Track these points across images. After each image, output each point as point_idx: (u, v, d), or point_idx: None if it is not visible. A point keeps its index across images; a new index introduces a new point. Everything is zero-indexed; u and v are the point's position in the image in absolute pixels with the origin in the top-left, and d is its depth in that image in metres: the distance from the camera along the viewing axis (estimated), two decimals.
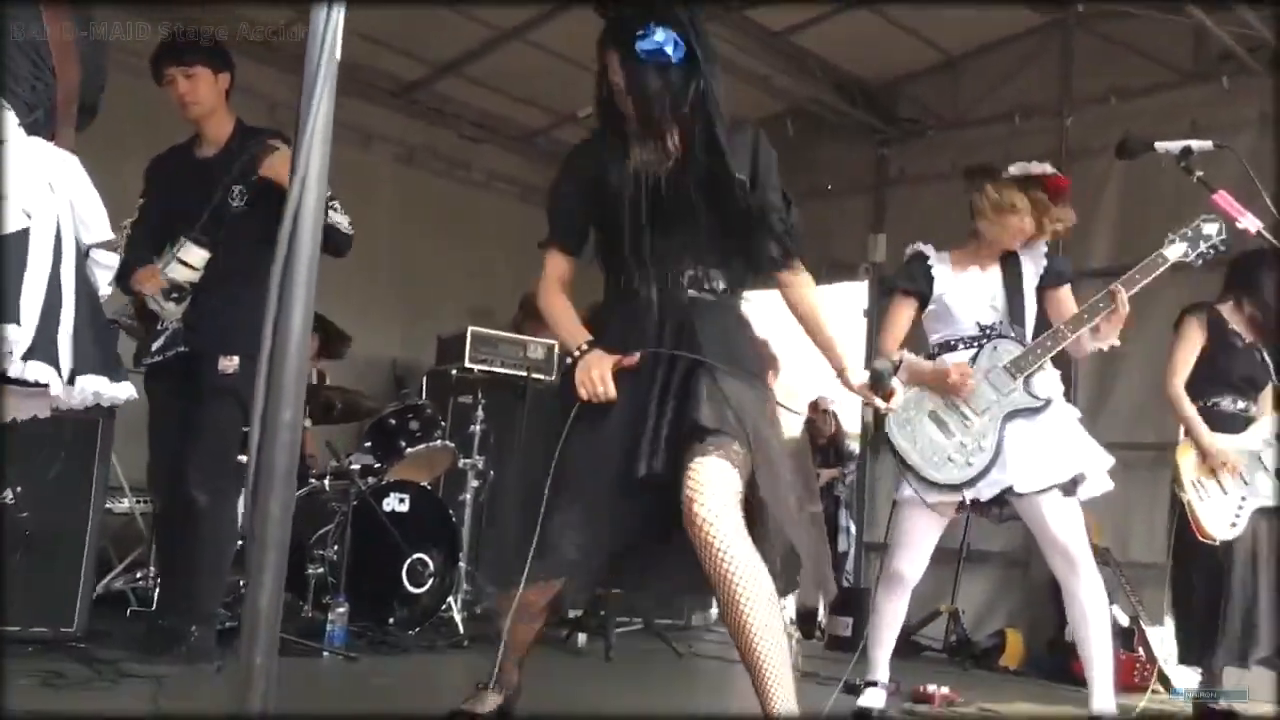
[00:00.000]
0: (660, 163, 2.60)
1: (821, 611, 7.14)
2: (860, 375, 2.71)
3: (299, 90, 1.43)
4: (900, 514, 3.78)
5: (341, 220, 3.78)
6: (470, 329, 5.87)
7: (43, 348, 1.93)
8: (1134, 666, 4.97)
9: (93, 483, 3.93)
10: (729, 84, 2.67)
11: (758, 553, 2.38)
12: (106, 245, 2.17)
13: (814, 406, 8.13)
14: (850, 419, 8.00)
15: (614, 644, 4.91)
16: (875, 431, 6.65)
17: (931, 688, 4.06)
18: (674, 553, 2.49)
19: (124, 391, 2.10)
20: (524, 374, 5.78)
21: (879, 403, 2.68)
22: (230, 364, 3.61)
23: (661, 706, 3.87)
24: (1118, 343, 3.60)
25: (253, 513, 1.32)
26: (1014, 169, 3.68)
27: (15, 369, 1.91)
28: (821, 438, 7.86)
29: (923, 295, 3.78)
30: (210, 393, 3.62)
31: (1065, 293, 3.73)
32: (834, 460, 7.78)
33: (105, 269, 2.17)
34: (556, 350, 6.11)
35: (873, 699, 3.74)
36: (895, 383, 2.69)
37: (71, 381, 2.00)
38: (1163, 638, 4.93)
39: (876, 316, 6.80)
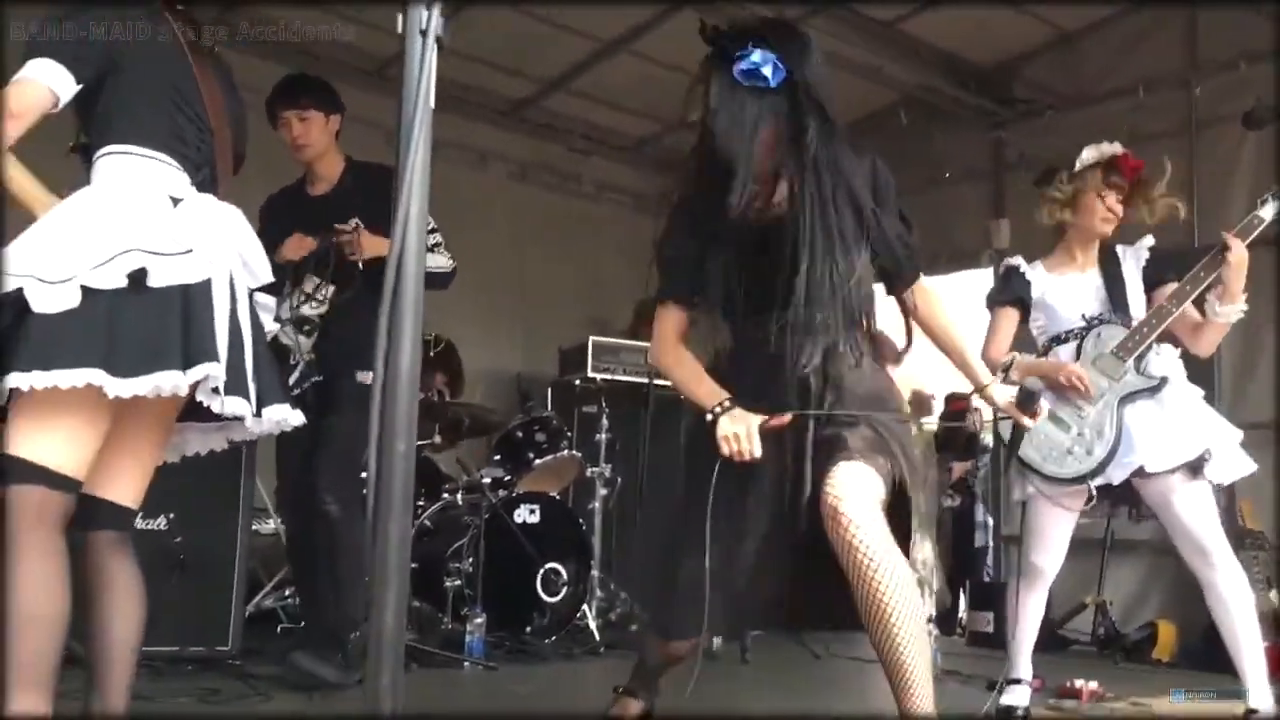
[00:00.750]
0: (768, 203, 2.49)
1: (962, 607, 6.99)
2: (1003, 392, 2.67)
3: None
4: (1030, 510, 3.68)
5: (441, 261, 3.92)
6: (591, 339, 5.93)
7: (235, 382, 2.10)
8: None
9: (239, 506, 4.09)
10: (839, 79, 2.59)
11: (904, 559, 2.32)
12: (268, 289, 2.34)
13: (953, 400, 7.97)
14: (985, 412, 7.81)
15: (749, 646, 4.90)
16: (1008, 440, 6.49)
17: (1079, 682, 3.94)
18: (822, 583, 2.42)
19: (298, 417, 2.25)
20: (646, 380, 5.82)
21: (1026, 421, 2.64)
22: (368, 377, 3.63)
23: (799, 709, 3.84)
24: (1244, 307, 3.44)
25: (374, 539, 1.38)
26: (1085, 153, 3.64)
27: (216, 404, 2.08)
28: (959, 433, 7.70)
29: (1023, 303, 3.72)
30: (346, 402, 3.73)
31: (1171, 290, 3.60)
32: (966, 454, 7.61)
33: (266, 310, 2.34)
34: None
35: (1017, 697, 3.64)
36: (1043, 401, 2.66)
37: (258, 413, 2.16)
38: None
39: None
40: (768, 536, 2.46)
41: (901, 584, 2.27)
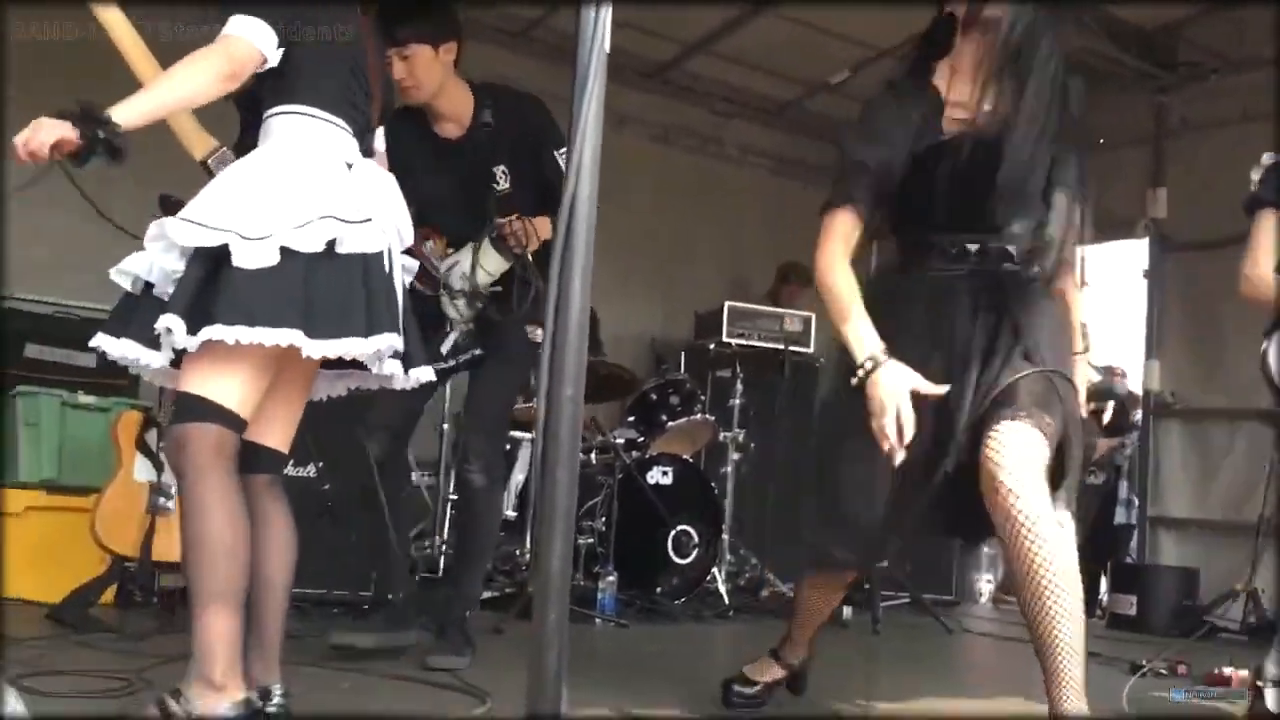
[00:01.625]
0: (979, 114, 2.34)
1: (1103, 589, 6.79)
2: (1083, 373, 2.48)
3: (555, 80, 1.50)
4: None
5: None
6: (727, 304, 5.92)
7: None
8: None
9: (398, 453, 4.22)
10: None
11: (1067, 534, 2.19)
12: (409, 251, 2.39)
13: (1108, 373, 7.71)
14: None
15: (880, 618, 4.85)
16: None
17: (1228, 670, 3.78)
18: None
19: (428, 374, 2.32)
20: (781, 346, 5.78)
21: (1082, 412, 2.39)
22: (537, 333, 3.32)
23: (932, 682, 3.79)
24: None
25: (542, 484, 1.41)
26: None
27: (377, 367, 2.20)
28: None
29: None
30: (513, 357, 3.39)
31: None
32: (1113, 430, 7.35)
33: (409, 272, 2.40)
34: (814, 322, 6.09)
35: None
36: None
37: (405, 372, 2.27)
38: None
39: (1159, 277, 6.37)
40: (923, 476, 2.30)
41: (1064, 561, 2.16)
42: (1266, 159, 3.26)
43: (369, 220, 2.17)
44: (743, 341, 5.86)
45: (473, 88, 3.40)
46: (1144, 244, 6.45)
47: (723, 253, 7.23)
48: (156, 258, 2.11)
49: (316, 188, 2.16)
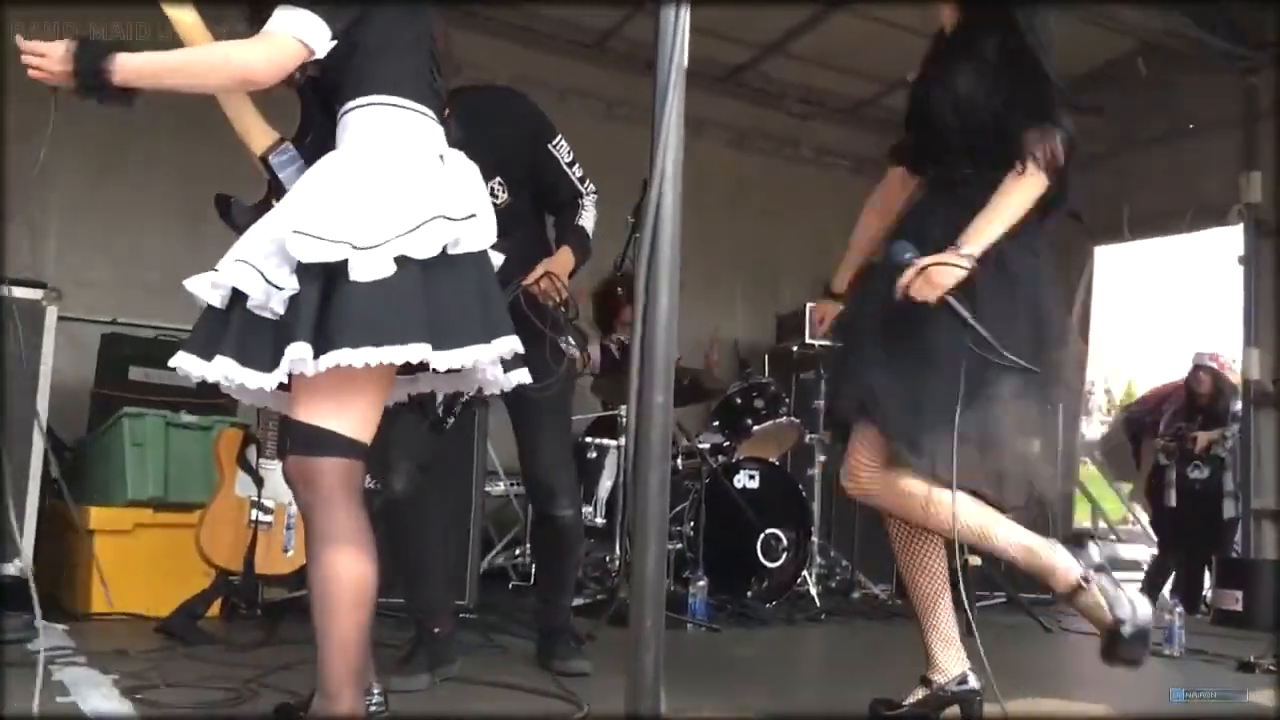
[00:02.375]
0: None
1: (1207, 584, 6.60)
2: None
3: (633, 89, 1.52)
4: None
5: (593, 217, 3.39)
6: (809, 305, 5.88)
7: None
8: None
9: (473, 467, 4.29)
10: (1070, 26, 2.49)
11: None
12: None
13: (1194, 363, 7.46)
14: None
15: (975, 617, 4.77)
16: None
17: None
18: None
19: (525, 375, 2.21)
20: None
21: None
22: (570, 348, 3.26)
23: (1030, 683, 3.73)
24: None
25: (635, 488, 1.42)
26: None
27: (492, 374, 2.13)
28: (1199, 397, 7.17)
29: None
30: (566, 391, 3.32)
31: None
32: (1212, 422, 7.11)
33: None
34: None
35: None
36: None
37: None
38: None
39: (1255, 264, 6.19)
40: None
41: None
42: None
43: (474, 216, 2.04)
44: (825, 342, 5.82)
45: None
46: (1239, 230, 6.27)
47: (804, 254, 7.18)
48: (269, 273, 1.96)
49: (421, 186, 2.03)
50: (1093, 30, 6.06)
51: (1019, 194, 2.50)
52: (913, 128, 2.81)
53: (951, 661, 2.81)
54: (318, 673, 2.00)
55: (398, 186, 2.01)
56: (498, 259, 2.19)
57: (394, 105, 2.11)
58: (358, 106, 2.11)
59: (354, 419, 2.01)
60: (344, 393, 1.98)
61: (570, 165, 3.34)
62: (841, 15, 6.16)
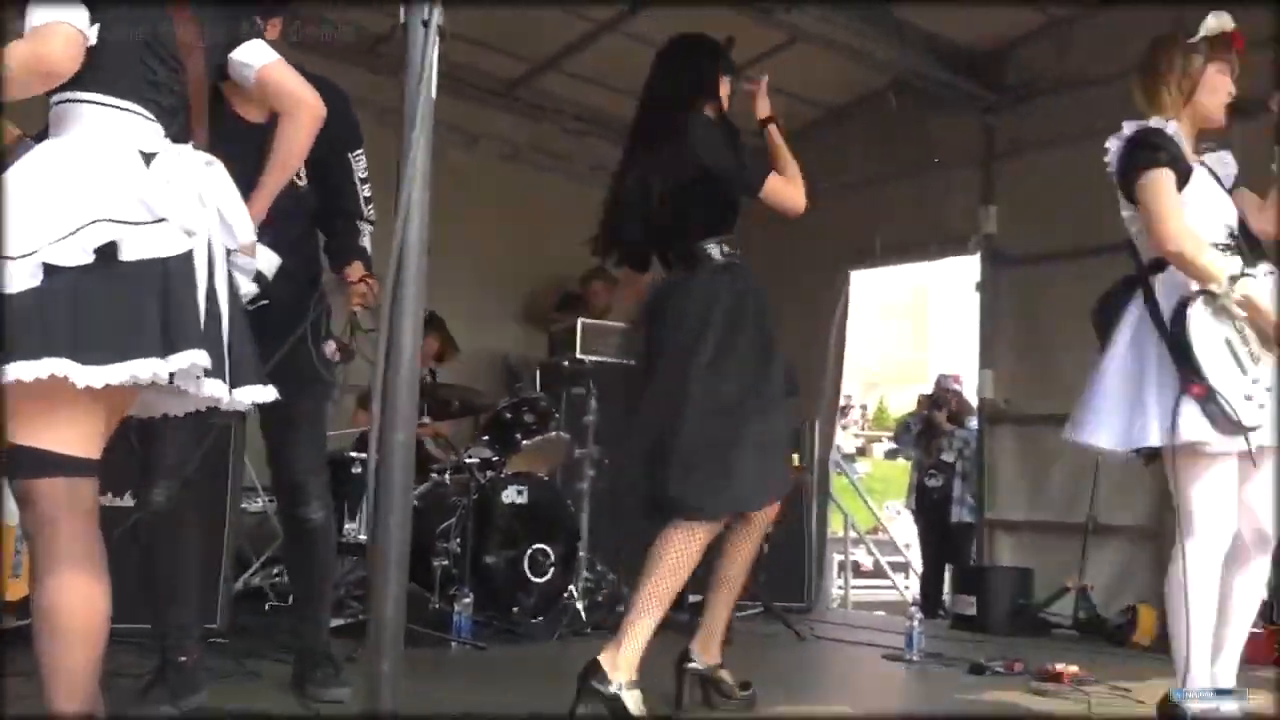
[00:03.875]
0: None
1: (946, 590, 7.06)
2: None
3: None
4: (1194, 463, 2.87)
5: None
6: (580, 321, 5.93)
7: (213, 362, 1.94)
8: (1275, 639, 4.80)
9: (228, 484, 4.11)
10: (829, 62, 2.64)
11: None
12: (247, 249, 2.13)
13: (938, 384, 8.08)
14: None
15: (733, 626, 4.92)
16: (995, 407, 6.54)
17: (1059, 665, 3.99)
18: None
19: (270, 394, 2.07)
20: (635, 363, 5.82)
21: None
22: (330, 346, 3.23)
23: (783, 690, 3.88)
24: None
25: (375, 530, 1.39)
26: (1209, 21, 3.04)
27: (194, 387, 1.95)
28: (943, 415, 7.79)
29: (1180, 169, 2.90)
30: (315, 379, 3.19)
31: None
32: (953, 436, 7.69)
33: (245, 272, 2.15)
34: None
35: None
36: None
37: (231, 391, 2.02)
38: None
39: (990, 290, 6.67)
40: None
41: None
42: (1127, 128, 3.03)
43: (163, 220, 1.92)
44: (597, 358, 5.88)
45: None
46: (976, 259, 6.74)
47: (578, 269, 7.24)
48: None
49: (90, 188, 1.91)
50: (852, 65, 6.40)
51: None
52: None
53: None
54: (45, 707, 1.86)
55: (58, 189, 1.90)
56: (268, 256, 2.17)
57: (93, 102, 2.00)
58: (59, 103, 2.02)
59: (70, 435, 1.89)
60: (53, 408, 1.87)
61: (363, 182, 3.32)
62: (615, 35, 6.26)
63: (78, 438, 1.91)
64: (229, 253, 2.08)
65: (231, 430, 4.04)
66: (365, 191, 3.33)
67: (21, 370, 1.79)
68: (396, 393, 1.41)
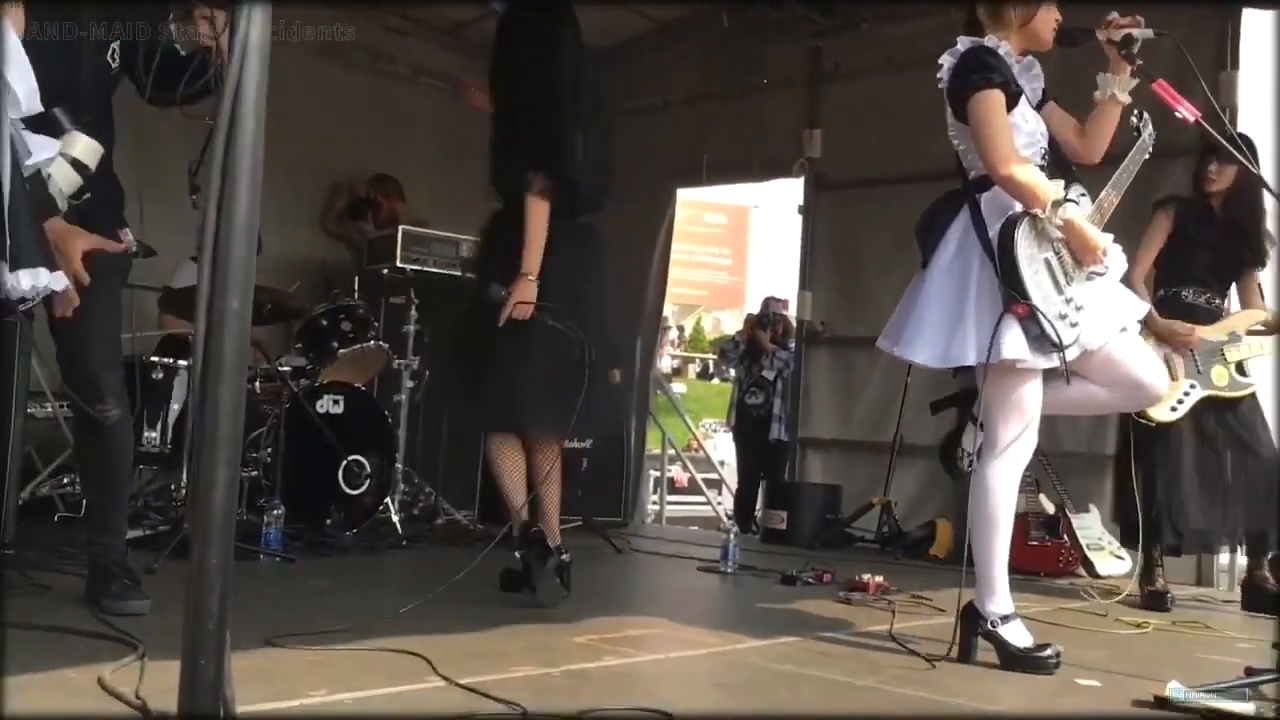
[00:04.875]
0: None
1: (758, 505, 7.26)
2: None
3: None
4: (1007, 378, 2.95)
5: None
6: (401, 228, 5.74)
7: None
8: (1059, 552, 5.12)
9: (13, 388, 3.80)
10: None
11: None
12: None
13: (765, 306, 8.25)
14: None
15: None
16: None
17: (866, 576, 4.15)
18: None
19: (59, 281, 1.93)
20: (458, 274, 5.69)
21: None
22: (127, 236, 3.09)
23: (603, 600, 3.91)
24: (1132, 82, 3.01)
25: (203, 406, 1.26)
26: None
27: None
28: (767, 335, 7.99)
29: (1010, 91, 2.95)
30: (104, 272, 2.99)
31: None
32: (772, 352, 7.89)
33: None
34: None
35: (1016, 635, 2.96)
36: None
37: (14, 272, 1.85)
38: (1087, 525, 5.09)
39: (812, 214, 6.78)
40: None
41: None
42: (974, 43, 3.01)
43: None
44: (417, 267, 5.71)
45: None
46: (799, 182, 6.84)
47: (398, 174, 6.99)
48: None
49: None
50: None
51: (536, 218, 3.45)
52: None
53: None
54: None
55: None
56: (89, 145, 1.96)
57: None
58: None
59: None
60: None
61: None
62: None
63: None
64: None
65: (17, 328, 3.73)
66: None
67: None
68: (229, 255, 1.27)
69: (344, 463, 4.82)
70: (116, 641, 2.55)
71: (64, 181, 2.71)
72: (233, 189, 1.27)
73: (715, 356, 18.84)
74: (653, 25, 7.17)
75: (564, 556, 3.51)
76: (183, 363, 4.75)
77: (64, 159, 2.73)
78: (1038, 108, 3.11)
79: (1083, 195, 3.01)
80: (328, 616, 3.14)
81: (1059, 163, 3.09)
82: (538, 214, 3.43)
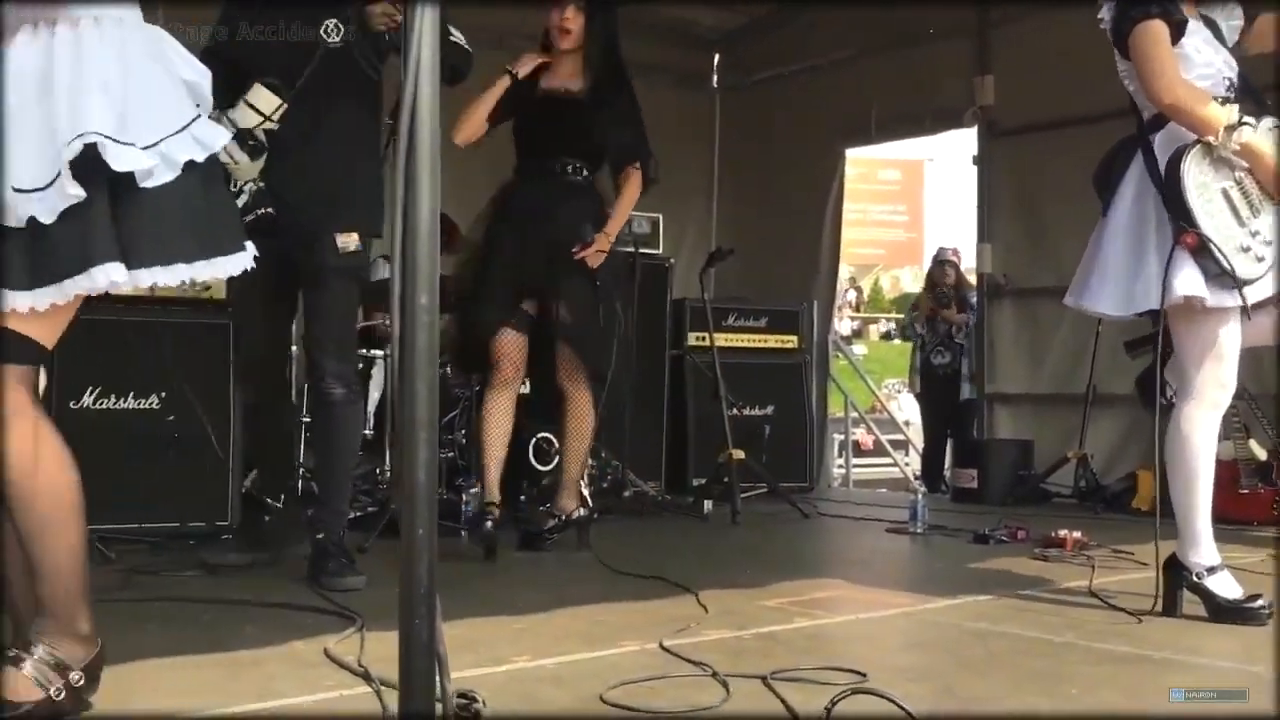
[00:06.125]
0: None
1: (947, 464, 7.13)
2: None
3: None
4: (1195, 318, 2.82)
5: (460, 36, 3.40)
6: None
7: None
8: (1273, 500, 4.87)
9: (230, 382, 4.10)
10: None
11: None
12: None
13: (935, 258, 8.07)
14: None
15: (740, 508, 5.00)
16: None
17: (1063, 532, 4.04)
18: None
19: (164, 276, 1.85)
20: (631, 249, 5.77)
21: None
22: (350, 241, 3.26)
23: (792, 563, 3.94)
24: None
25: (402, 395, 1.36)
26: None
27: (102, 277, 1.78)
28: (942, 287, 7.80)
29: (1174, 21, 2.80)
30: (331, 273, 3.25)
31: None
32: (960, 308, 7.70)
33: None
34: (661, 223, 6.12)
35: (1224, 586, 2.85)
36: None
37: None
38: None
39: (988, 163, 6.59)
40: None
41: None
42: None
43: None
44: None
45: None
46: (973, 132, 6.65)
47: None
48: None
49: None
50: None
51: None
52: (543, 122, 4.02)
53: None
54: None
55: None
56: None
57: None
58: None
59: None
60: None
61: None
62: None
63: None
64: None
65: (230, 328, 4.03)
66: None
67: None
68: (416, 254, 1.36)
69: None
70: (337, 615, 2.74)
71: (240, 118, 3.01)
72: (414, 195, 1.36)
73: (897, 317, 18.50)
74: None
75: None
76: (377, 352, 5.00)
77: (244, 102, 3.03)
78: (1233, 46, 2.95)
79: (1275, 127, 2.84)
80: (528, 588, 3.29)
81: (1251, 95, 2.92)
82: (637, 193, 4.12)
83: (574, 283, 3.97)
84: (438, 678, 1.44)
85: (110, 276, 1.73)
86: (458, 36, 3.37)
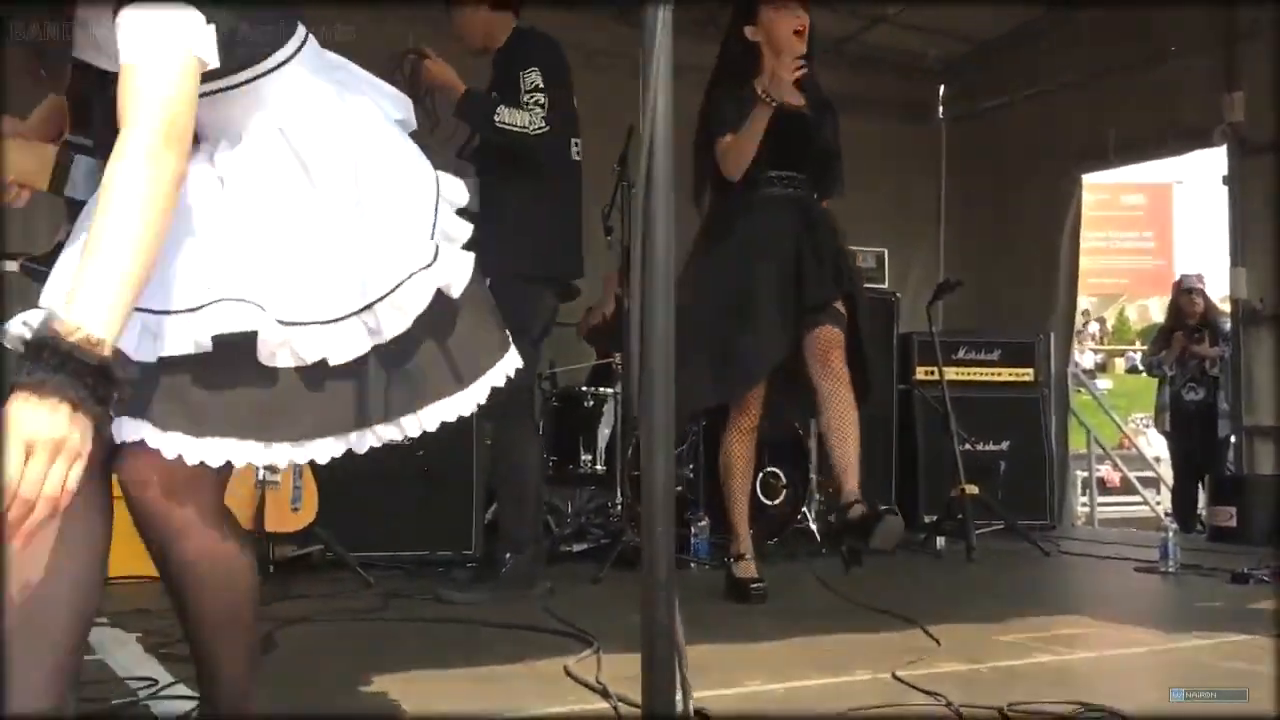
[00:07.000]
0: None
1: (1201, 501, 6.71)
2: None
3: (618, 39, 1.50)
4: None
5: (520, 120, 3.45)
6: None
7: None
8: None
9: (473, 418, 4.33)
10: None
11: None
12: None
13: (1177, 286, 7.62)
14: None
15: (975, 545, 4.87)
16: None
17: None
18: None
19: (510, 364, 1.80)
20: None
21: None
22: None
23: (1033, 602, 3.81)
24: None
25: (642, 413, 1.42)
26: None
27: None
28: (1190, 317, 7.31)
29: None
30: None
31: None
32: (1211, 339, 7.19)
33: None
34: (886, 257, 6.07)
35: None
36: None
37: None
38: None
39: (1239, 183, 6.22)
40: None
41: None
42: None
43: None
44: None
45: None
46: (1222, 151, 6.29)
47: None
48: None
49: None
50: None
51: None
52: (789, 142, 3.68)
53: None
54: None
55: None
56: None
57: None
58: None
59: None
60: None
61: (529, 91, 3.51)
62: None
63: None
64: None
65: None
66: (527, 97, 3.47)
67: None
68: (654, 274, 1.43)
69: (760, 475, 5.01)
70: (575, 638, 2.85)
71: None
72: (651, 230, 1.42)
73: (1144, 349, 17.51)
74: (1043, 9, 6.90)
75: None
76: (609, 390, 5.17)
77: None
78: None
79: None
80: (757, 617, 3.33)
81: None
82: None
83: (858, 286, 3.83)
84: (677, 671, 1.48)
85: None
86: (510, 120, 3.44)
